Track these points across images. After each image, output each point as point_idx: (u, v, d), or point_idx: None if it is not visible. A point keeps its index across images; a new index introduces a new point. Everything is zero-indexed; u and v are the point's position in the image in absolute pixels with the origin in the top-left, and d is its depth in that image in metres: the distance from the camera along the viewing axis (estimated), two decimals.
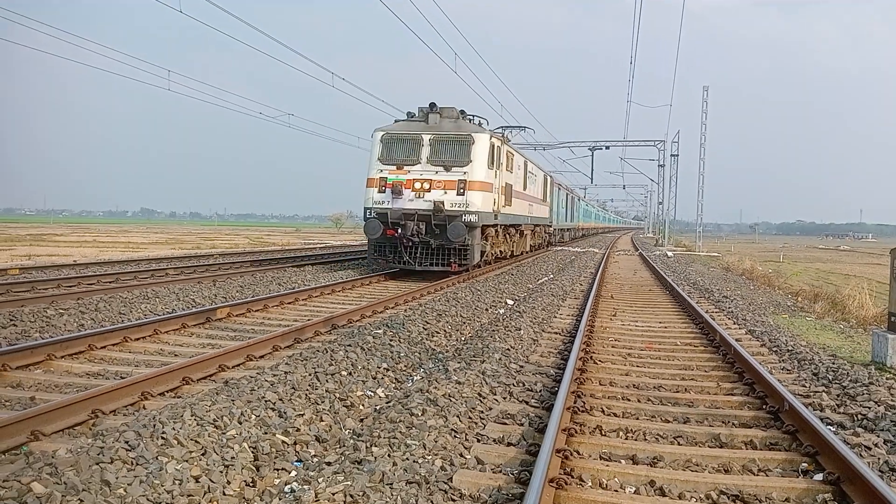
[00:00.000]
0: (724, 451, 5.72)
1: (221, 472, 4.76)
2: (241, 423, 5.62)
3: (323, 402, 6.57)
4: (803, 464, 5.43)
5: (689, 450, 5.69)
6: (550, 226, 37.22)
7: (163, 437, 5.05)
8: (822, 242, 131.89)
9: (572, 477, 4.98)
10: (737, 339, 10.24)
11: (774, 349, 10.24)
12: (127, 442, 4.89)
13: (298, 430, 5.79)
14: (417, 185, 19.21)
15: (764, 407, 6.89)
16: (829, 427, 6.12)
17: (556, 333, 11.06)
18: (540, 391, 7.33)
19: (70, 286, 15.23)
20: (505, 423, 6.24)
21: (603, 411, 6.70)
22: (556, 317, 12.90)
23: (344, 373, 7.61)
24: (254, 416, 5.81)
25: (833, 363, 9.12)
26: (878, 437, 6.07)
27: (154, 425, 5.24)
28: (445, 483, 4.75)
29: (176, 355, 8.50)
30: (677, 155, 54.25)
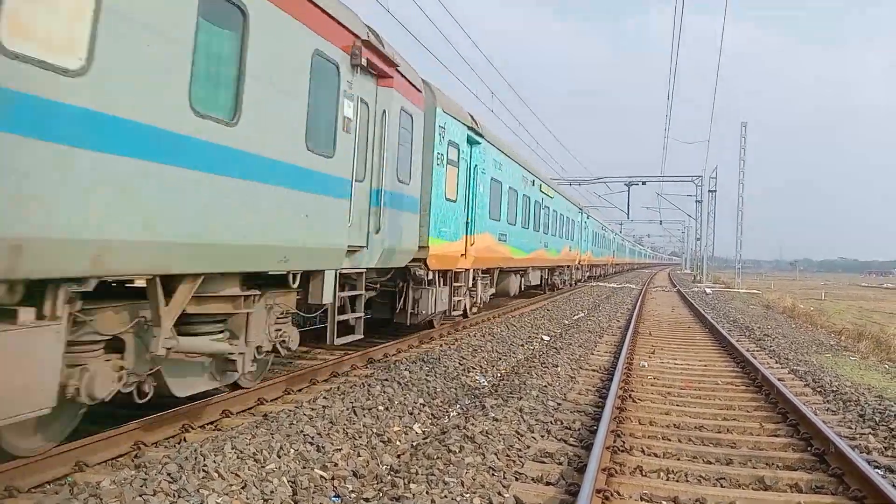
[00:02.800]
0: (769, 493, 5.61)
1: None
2: (280, 457, 5.66)
3: (360, 436, 6.58)
4: None
5: (733, 492, 5.58)
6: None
7: (204, 470, 5.11)
8: (865, 280, 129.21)
9: None
10: (779, 379, 10.05)
11: (818, 389, 10.02)
12: (169, 474, 4.95)
13: (336, 464, 5.81)
14: None
15: (809, 449, 6.75)
16: (877, 470, 5.96)
17: (593, 370, 10.96)
18: (578, 429, 7.26)
19: None
20: (543, 462, 6.18)
21: (643, 451, 6.60)
22: (593, 353, 12.78)
23: (381, 408, 7.62)
24: (292, 450, 5.85)
25: (879, 404, 8.90)
26: None
27: (196, 458, 5.30)
28: None
29: None
30: (715, 191, 53.74)
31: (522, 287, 22.27)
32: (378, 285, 11.23)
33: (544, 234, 24.30)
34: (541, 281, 26.22)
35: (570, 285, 35.16)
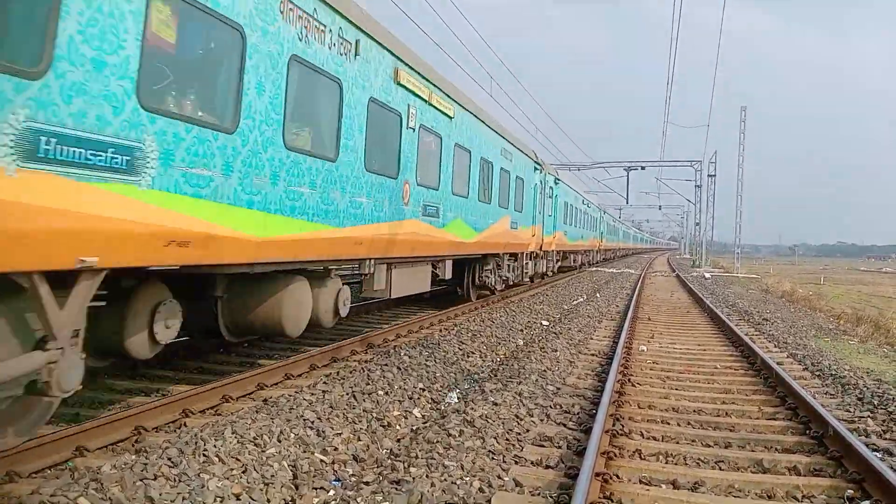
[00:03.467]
0: (768, 476, 5.63)
1: (262, 489, 4.81)
2: (280, 442, 5.68)
3: (360, 421, 6.60)
4: (849, 490, 5.32)
5: (732, 475, 5.60)
6: None
7: (204, 454, 5.13)
8: (863, 264, 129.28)
9: (612, 501, 4.95)
10: (778, 363, 10.07)
11: (817, 373, 10.04)
12: (170, 459, 4.97)
13: (336, 448, 5.83)
14: None
15: (807, 432, 6.76)
16: (875, 453, 5.97)
17: (592, 355, 10.97)
18: (578, 413, 7.28)
19: None
20: (543, 446, 6.20)
21: (642, 435, 6.62)
22: (592, 338, 12.80)
23: (380, 392, 7.64)
24: (293, 435, 5.87)
25: (878, 388, 8.92)
26: None
27: (196, 442, 5.31)
28: None
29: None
30: (714, 175, 53.66)
31: (339, 308, 9.42)
32: None
33: (433, 192, 12.17)
34: (434, 280, 13.78)
35: (530, 281, 24.20)
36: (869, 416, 7.52)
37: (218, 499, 4.55)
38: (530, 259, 22.01)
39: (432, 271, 13.50)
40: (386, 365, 8.88)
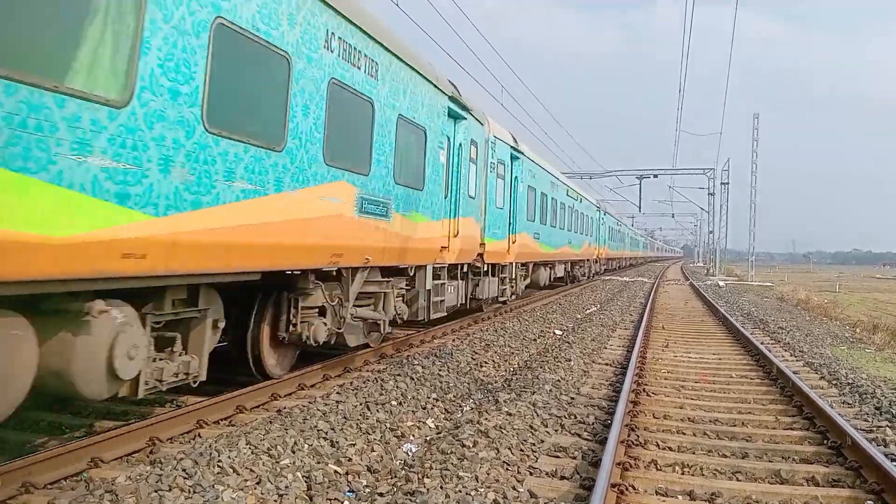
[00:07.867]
0: (786, 487, 5.57)
1: (276, 501, 4.80)
2: (294, 453, 5.68)
3: (374, 431, 6.58)
4: (868, 501, 5.26)
5: (749, 486, 5.55)
6: None
7: (219, 466, 5.12)
8: (879, 272, 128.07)
9: None
10: (794, 372, 9.98)
11: (834, 382, 9.94)
12: (184, 470, 4.98)
13: (350, 459, 5.81)
14: None
15: (825, 442, 6.69)
16: (894, 463, 5.90)
17: (606, 364, 10.92)
18: (592, 424, 7.23)
19: None
20: (558, 457, 6.15)
21: (658, 445, 6.57)
22: (606, 347, 12.74)
23: (394, 402, 7.63)
24: (306, 446, 5.86)
25: None
26: None
27: (210, 453, 5.31)
28: None
29: None
30: (727, 183, 53.44)
31: None
32: None
33: None
34: None
35: (480, 310, 16.32)
36: (888, 426, 7.43)
37: None
38: (455, 277, 13.48)
39: None
40: (399, 375, 8.87)
